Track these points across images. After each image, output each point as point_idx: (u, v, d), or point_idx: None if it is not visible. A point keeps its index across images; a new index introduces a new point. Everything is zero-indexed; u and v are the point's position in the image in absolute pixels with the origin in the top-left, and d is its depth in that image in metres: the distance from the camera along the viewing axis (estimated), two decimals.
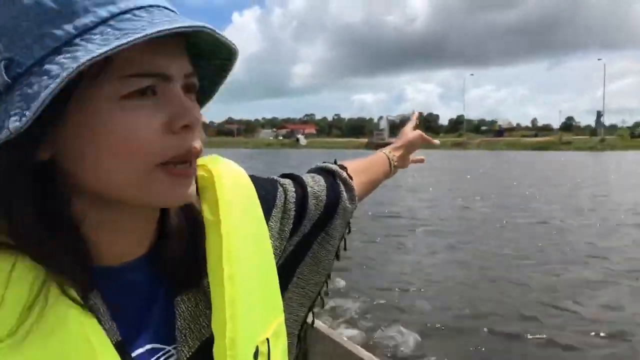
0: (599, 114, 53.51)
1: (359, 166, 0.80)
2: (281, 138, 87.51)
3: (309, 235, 0.65)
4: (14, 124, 0.34)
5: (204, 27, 0.38)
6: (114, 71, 0.37)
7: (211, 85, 0.48)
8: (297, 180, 0.67)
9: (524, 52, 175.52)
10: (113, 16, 0.37)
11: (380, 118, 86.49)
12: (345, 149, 59.13)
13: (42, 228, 0.39)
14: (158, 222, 0.47)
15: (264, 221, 0.56)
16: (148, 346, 0.44)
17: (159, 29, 0.35)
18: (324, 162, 0.76)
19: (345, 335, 3.04)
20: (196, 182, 0.46)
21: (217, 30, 0.39)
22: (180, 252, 0.47)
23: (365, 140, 66.49)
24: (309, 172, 0.74)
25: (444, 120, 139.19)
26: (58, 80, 0.33)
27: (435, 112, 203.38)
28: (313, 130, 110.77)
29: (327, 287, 0.69)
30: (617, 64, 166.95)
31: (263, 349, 0.48)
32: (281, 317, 0.54)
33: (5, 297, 0.37)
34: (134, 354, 0.43)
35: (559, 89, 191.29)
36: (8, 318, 0.36)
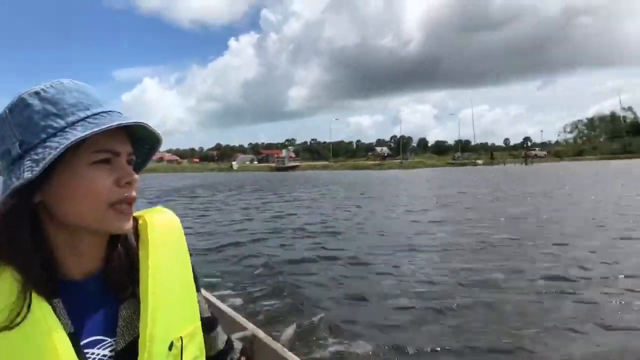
0: (402, 140, 77.28)
1: None
2: (256, 163, 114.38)
3: None
4: (27, 175, 0.62)
5: (141, 123, 0.68)
6: (88, 148, 0.66)
7: (144, 163, 0.79)
8: None
9: (516, 72, 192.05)
10: (88, 116, 0.67)
11: (285, 147, 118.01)
12: (261, 171, 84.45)
13: (32, 248, 0.66)
14: (106, 251, 0.75)
15: (188, 255, 0.82)
16: (94, 337, 0.69)
17: (112, 124, 0.64)
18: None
19: (287, 345, 3.43)
20: (137, 226, 0.78)
21: (147, 125, 0.69)
22: (121, 273, 0.74)
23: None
24: None
25: (432, 141, 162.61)
26: (57, 150, 0.62)
27: (430, 133, 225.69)
28: (293, 154, 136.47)
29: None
30: (609, 82, 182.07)
31: (177, 344, 0.73)
32: (197, 323, 0.79)
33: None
34: (83, 342, 0.68)
35: (551, 108, 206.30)
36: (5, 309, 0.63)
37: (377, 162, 79.97)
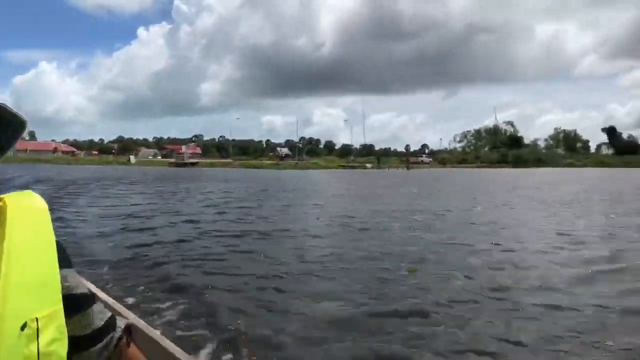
0: (300, 142, 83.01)
1: None
2: (159, 158, 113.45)
3: None
4: None
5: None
6: None
7: (8, 146, 0.80)
8: None
9: (422, 82, 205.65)
10: None
11: (192, 143, 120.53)
12: (159, 166, 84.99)
13: None
14: None
15: (52, 239, 0.81)
16: None
17: None
18: None
19: (168, 335, 3.38)
20: None
21: (6, 106, 0.71)
22: None
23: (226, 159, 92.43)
24: None
25: (340, 144, 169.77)
26: None
27: (339, 136, 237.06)
28: (198, 151, 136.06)
29: None
30: (503, 97, 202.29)
31: (32, 325, 0.72)
32: (57, 307, 0.78)
33: None
34: None
35: (452, 117, 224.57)
36: None
37: (275, 162, 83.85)
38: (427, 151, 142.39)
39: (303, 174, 52.50)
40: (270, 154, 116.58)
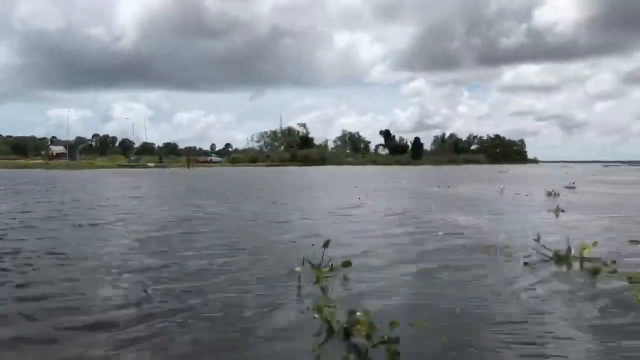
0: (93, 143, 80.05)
1: None
2: None
3: None
4: None
5: None
6: None
7: None
8: None
9: (230, 81, 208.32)
10: None
11: None
12: None
13: None
14: None
15: None
16: None
17: None
18: None
19: None
20: None
21: None
22: None
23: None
24: None
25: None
26: None
27: (144, 133, 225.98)
28: None
29: None
30: (306, 99, 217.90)
31: None
32: None
33: None
34: None
35: (260, 117, 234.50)
36: None
37: (45, 161, 77.94)
38: (230, 150, 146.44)
39: (65, 174, 50.45)
40: (42, 152, 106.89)
